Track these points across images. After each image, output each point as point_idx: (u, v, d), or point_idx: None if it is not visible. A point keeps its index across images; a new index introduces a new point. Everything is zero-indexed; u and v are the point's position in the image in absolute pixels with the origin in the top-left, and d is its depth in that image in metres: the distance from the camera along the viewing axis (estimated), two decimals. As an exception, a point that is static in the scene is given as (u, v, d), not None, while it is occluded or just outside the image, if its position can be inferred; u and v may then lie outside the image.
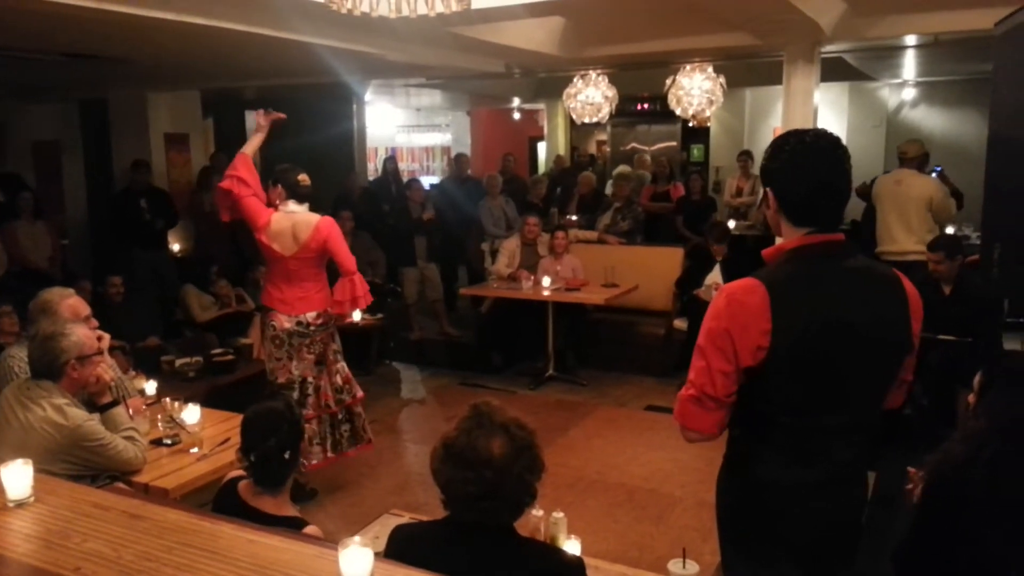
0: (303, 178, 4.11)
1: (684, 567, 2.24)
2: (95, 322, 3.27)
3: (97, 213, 8.44)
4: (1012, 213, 1.48)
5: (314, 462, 4.15)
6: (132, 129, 7.93)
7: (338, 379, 4.24)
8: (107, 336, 3.20)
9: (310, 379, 4.15)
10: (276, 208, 4.08)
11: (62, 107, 8.51)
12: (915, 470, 2.57)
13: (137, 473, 2.84)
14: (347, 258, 4.07)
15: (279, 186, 4.09)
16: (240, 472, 2.38)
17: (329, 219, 4.11)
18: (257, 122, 4.14)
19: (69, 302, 3.23)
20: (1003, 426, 2.06)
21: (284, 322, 4.07)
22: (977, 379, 2.24)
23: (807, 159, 1.78)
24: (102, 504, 1.94)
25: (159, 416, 3.30)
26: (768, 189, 1.84)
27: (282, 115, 4.24)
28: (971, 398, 2.27)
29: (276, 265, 4.09)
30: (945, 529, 2.10)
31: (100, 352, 2.95)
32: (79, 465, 2.67)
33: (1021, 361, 2.35)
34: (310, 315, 4.09)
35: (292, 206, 4.05)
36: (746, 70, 7.74)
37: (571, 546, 2.52)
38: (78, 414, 2.69)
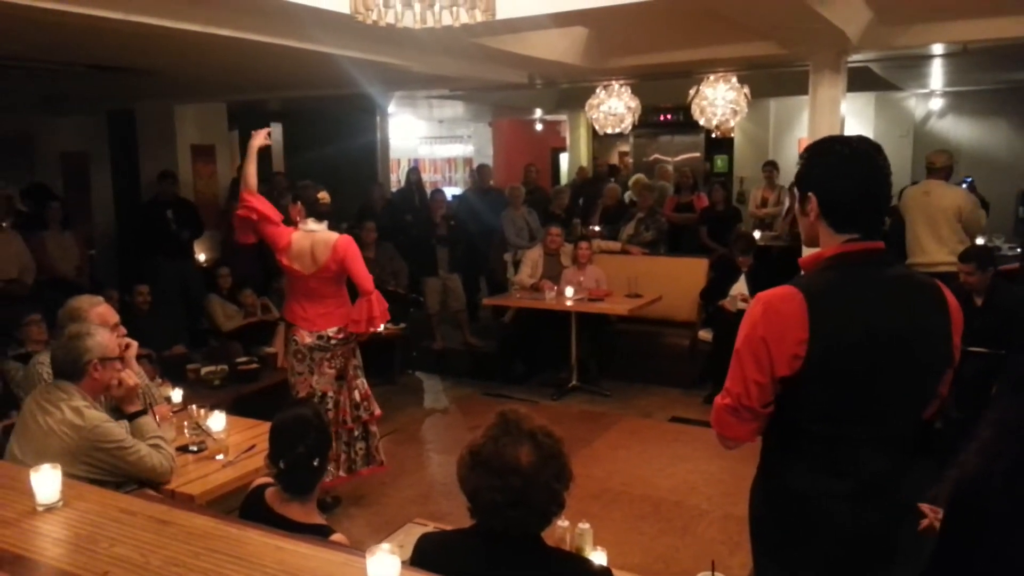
0: (323, 196, 4.13)
1: (713, 580, 2.21)
2: (123, 330, 3.30)
3: (124, 223, 8.55)
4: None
5: (327, 479, 4.14)
6: (159, 140, 8.04)
7: (356, 395, 4.24)
8: (135, 344, 3.22)
9: (330, 394, 4.15)
10: (296, 225, 4.10)
11: (90, 119, 8.64)
12: (925, 505, 2.51)
13: (165, 483, 2.83)
14: (365, 278, 4.07)
15: (299, 203, 4.10)
16: (267, 479, 2.38)
17: (347, 238, 4.11)
18: (251, 146, 4.11)
19: (98, 310, 3.26)
20: (1016, 434, 2.01)
21: (306, 337, 4.09)
22: (995, 388, 2.19)
23: (853, 164, 1.77)
24: (129, 509, 1.95)
25: (185, 423, 3.33)
26: (810, 194, 1.81)
27: (267, 142, 4.23)
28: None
29: (297, 284, 4.12)
30: (970, 546, 2.05)
31: (123, 358, 2.95)
32: (100, 469, 2.66)
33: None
34: (331, 330, 4.11)
35: (312, 224, 4.08)
36: (771, 80, 7.69)
37: (597, 557, 2.49)
38: (95, 415, 2.69)
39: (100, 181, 8.78)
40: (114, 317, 3.33)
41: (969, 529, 2.05)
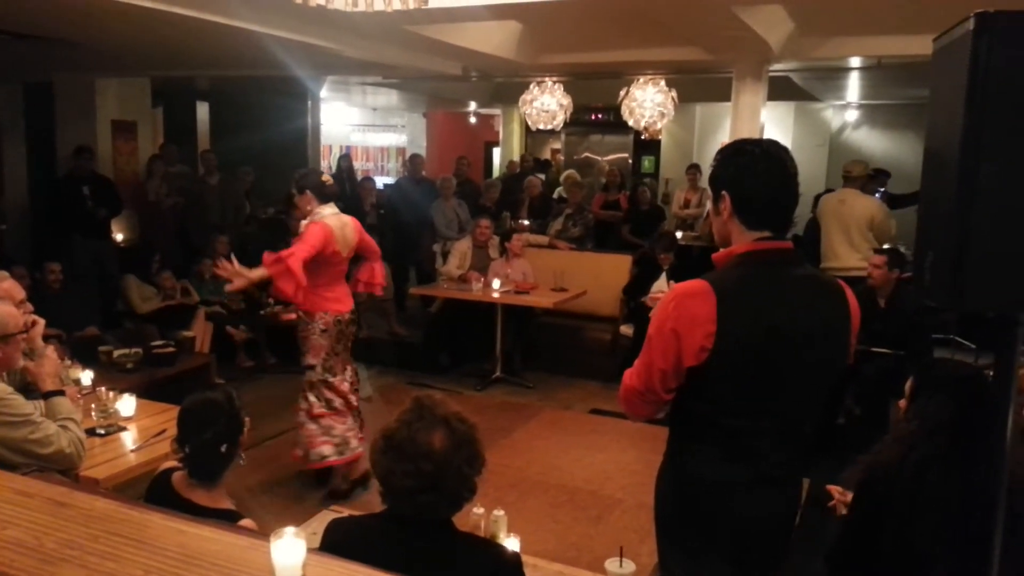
0: (326, 178, 4.20)
1: (621, 566, 2.26)
2: (30, 307, 3.16)
3: (38, 199, 8.18)
4: (943, 223, 1.53)
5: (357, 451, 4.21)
6: (78, 114, 7.72)
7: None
8: (42, 321, 3.09)
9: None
10: (307, 215, 4.06)
11: (4, 89, 8.22)
12: (835, 487, 2.64)
13: (73, 467, 2.72)
14: (374, 243, 4.36)
15: (307, 192, 4.05)
16: (175, 463, 2.32)
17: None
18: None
19: (3, 285, 3.11)
20: (931, 430, 2.14)
21: (332, 319, 4.12)
22: (908, 384, 2.32)
23: (764, 164, 1.83)
24: (26, 491, 1.88)
25: (93, 406, 3.21)
26: (723, 193, 1.86)
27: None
28: (902, 403, 2.35)
29: (333, 268, 4.09)
30: (875, 527, 2.17)
31: (26, 332, 2.82)
32: (5, 447, 2.53)
33: (949, 368, 2.44)
34: (351, 306, 4.21)
35: (326, 209, 4.05)
36: (697, 85, 7.89)
37: (510, 544, 2.52)
38: (0, 387, 2.56)
39: (14, 154, 8.35)
40: (20, 294, 3.18)
41: (876, 511, 2.17)
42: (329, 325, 4.10)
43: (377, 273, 4.39)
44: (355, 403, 4.29)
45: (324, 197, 4.08)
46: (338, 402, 4.18)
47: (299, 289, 3.81)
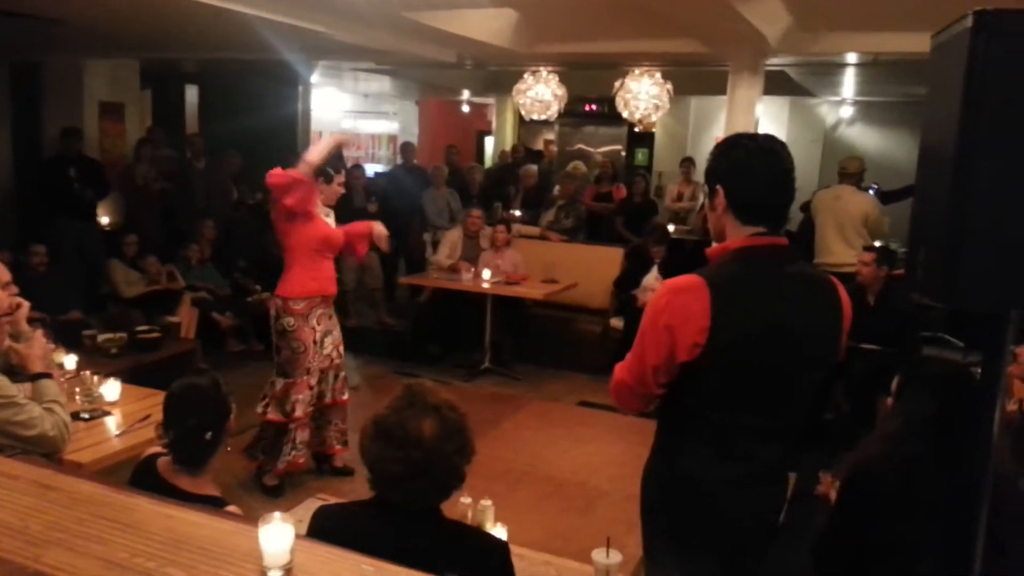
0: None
1: (607, 556, 2.26)
2: (15, 288, 3.12)
3: (23, 180, 8.09)
4: (937, 219, 1.53)
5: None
6: (65, 96, 7.63)
7: None
8: (26, 304, 3.05)
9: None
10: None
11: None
12: (826, 474, 2.66)
13: (57, 451, 2.69)
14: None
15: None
16: (160, 448, 2.31)
17: None
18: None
19: (-12, 267, 3.07)
20: (917, 427, 2.15)
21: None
22: (895, 382, 2.33)
23: (760, 159, 1.81)
24: (10, 473, 1.85)
25: (77, 389, 3.18)
26: (718, 187, 1.85)
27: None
28: (889, 400, 2.36)
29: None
30: (861, 522, 2.18)
31: (9, 314, 2.78)
32: None
33: (936, 366, 2.45)
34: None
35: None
36: (692, 78, 7.87)
37: (498, 533, 2.52)
38: None
39: (-1, 135, 8.27)
40: (6, 275, 3.14)
41: (861, 507, 2.19)
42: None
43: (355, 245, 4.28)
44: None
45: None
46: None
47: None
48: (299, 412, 4.03)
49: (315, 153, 3.83)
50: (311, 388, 4.08)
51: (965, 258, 1.50)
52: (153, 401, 3.20)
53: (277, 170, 3.81)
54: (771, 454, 1.87)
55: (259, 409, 4.11)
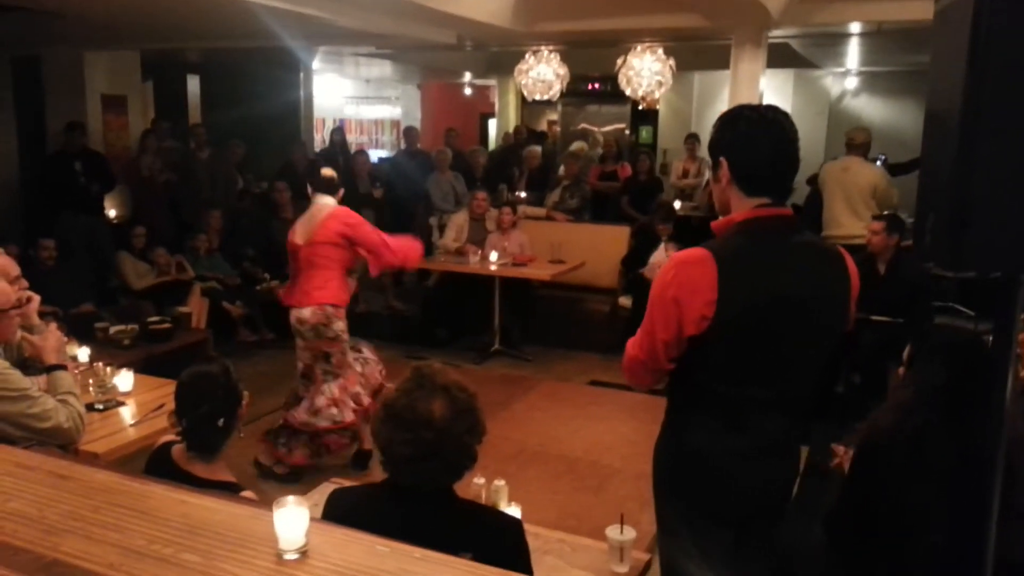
0: (326, 171, 4.27)
1: (622, 533, 2.27)
2: (25, 283, 3.13)
3: (29, 176, 8.11)
4: (944, 185, 1.52)
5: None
6: (67, 89, 7.61)
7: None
8: (37, 297, 3.07)
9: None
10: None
11: (-9, 63, 8.12)
12: (839, 446, 2.66)
13: (72, 443, 2.71)
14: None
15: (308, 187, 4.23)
16: (174, 436, 2.32)
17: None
18: None
19: (-1, 261, 3.08)
20: (928, 396, 2.14)
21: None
22: (907, 351, 2.32)
23: (762, 129, 1.80)
24: (26, 464, 1.88)
25: (91, 381, 3.21)
26: (721, 159, 1.84)
27: None
28: (901, 370, 2.35)
29: (295, 261, 4.18)
30: (872, 492, 2.18)
31: (19, 307, 2.80)
32: (6, 422, 2.53)
33: (947, 334, 2.44)
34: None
35: (319, 200, 4.14)
36: (695, 53, 7.80)
37: (512, 512, 2.53)
38: None
39: (3, 130, 8.27)
40: (15, 270, 3.14)
41: (873, 477, 2.19)
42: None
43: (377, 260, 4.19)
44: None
45: (318, 187, 4.15)
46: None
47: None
48: (367, 400, 4.13)
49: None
50: (359, 374, 4.22)
51: (972, 222, 1.49)
52: (166, 391, 3.21)
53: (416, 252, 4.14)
54: (778, 426, 1.87)
55: (323, 423, 4.10)
